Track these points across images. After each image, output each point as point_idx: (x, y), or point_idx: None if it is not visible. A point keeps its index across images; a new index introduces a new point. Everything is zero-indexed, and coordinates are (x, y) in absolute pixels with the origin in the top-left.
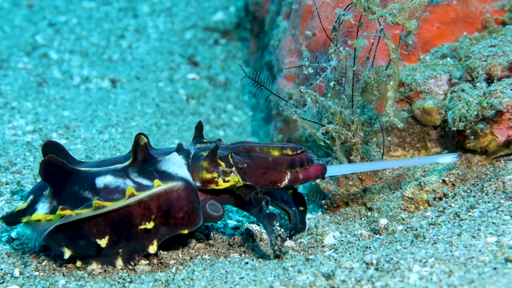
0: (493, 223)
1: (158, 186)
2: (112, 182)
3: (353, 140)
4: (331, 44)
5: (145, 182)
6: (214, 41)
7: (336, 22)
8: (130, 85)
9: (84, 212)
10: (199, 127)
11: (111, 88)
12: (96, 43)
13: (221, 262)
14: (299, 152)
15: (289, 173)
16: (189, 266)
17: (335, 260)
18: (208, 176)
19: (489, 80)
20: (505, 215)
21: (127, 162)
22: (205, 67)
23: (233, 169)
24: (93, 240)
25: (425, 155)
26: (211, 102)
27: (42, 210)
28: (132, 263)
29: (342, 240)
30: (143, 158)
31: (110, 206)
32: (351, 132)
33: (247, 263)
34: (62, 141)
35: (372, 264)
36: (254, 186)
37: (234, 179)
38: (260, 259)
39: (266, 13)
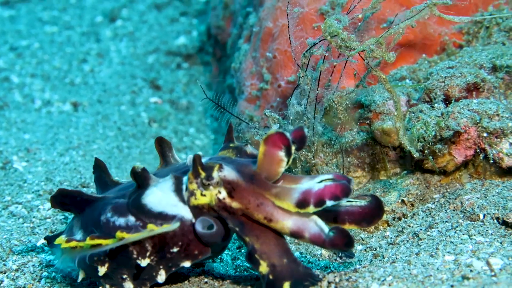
0: (451, 242)
1: (151, 230)
2: (114, 214)
3: (313, 161)
4: (299, 70)
5: (143, 217)
6: (177, 65)
7: (307, 51)
8: (92, 108)
9: (82, 244)
10: (229, 130)
11: (72, 112)
12: (58, 67)
13: (179, 282)
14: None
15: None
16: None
17: None
18: (190, 187)
19: (447, 101)
20: (463, 234)
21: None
22: (167, 90)
23: (214, 181)
24: (95, 266)
25: (385, 176)
26: (173, 126)
27: (76, 236)
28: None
29: (302, 260)
30: (141, 183)
31: (105, 245)
32: (311, 153)
33: (206, 282)
34: (23, 164)
35: (333, 282)
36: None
37: (212, 194)
38: (220, 279)
39: (228, 37)
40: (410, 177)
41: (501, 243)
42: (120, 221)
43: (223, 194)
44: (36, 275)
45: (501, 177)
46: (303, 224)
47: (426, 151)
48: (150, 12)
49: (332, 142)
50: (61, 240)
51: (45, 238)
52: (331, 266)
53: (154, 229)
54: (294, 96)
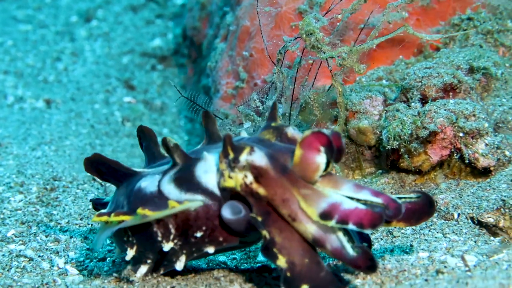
0: (426, 240)
1: (173, 208)
2: (143, 189)
3: None
4: (275, 66)
5: (169, 193)
6: (151, 66)
7: (282, 48)
8: (65, 106)
9: (110, 219)
10: (273, 106)
11: (45, 109)
12: (31, 64)
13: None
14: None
15: None
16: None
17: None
18: (220, 167)
19: (424, 100)
20: (437, 232)
21: (170, 165)
22: (142, 91)
23: (241, 164)
24: (125, 247)
25: (360, 175)
26: (147, 125)
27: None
28: (154, 274)
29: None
30: (181, 159)
31: (127, 221)
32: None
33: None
34: None
35: None
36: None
37: (238, 178)
38: (192, 271)
39: (204, 38)
40: (385, 176)
41: (475, 241)
42: (147, 195)
43: (250, 178)
44: (6, 265)
45: (476, 177)
46: (326, 235)
47: (402, 150)
48: (125, 14)
49: None
50: (96, 216)
51: (90, 200)
52: None
53: (175, 206)
54: (270, 93)
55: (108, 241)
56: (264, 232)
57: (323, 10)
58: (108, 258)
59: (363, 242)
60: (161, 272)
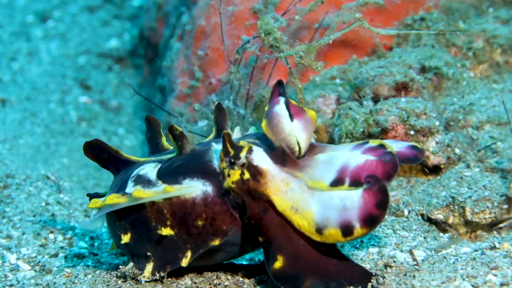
0: (376, 236)
1: (167, 192)
2: (142, 175)
3: None
4: (232, 66)
5: (167, 179)
6: (108, 67)
7: (241, 47)
8: (20, 105)
9: (104, 204)
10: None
11: (0, 108)
12: None
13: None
14: None
15: None
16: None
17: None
18: (221, 165)
19: (376, 99)
20: (388, 229)
21: (174, 154)
22: (98, 91)
23: (240, 162)
24: (118, 234)
25: None
26: (102, 126)
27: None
28: (161, 273)
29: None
30: (186, 148)
31: (122, 203)
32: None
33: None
34: None
35: None
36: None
37: (235, 174)
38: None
39: (160, 38)
40: None
41: (424, 237)
42: (145, 180)
43: (247, 175)
44: None
45: (426, 175)
46: (327, 204)
47: None
48: (82, 14)
49: None
50: (91, 202)
51: (88, 195)
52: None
53: (170, 190)
54: (219, 90)
55: (60, 238)
56: (267, 229)
57: (278, 9)
58: (60, 254)
59: None
60: (168, 269)
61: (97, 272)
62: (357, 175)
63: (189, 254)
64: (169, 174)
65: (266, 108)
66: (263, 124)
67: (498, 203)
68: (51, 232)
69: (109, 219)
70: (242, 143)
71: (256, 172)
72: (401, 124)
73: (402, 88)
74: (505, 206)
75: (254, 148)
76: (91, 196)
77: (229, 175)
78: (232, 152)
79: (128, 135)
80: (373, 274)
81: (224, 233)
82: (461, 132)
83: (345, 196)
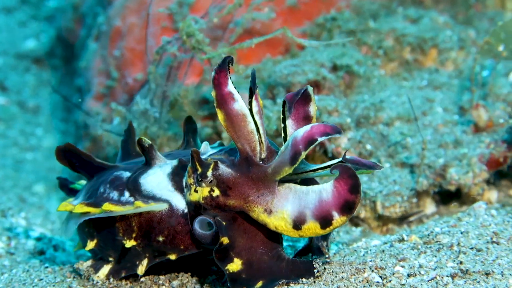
0: None
1: (138, 207)
2: (114, 184)
3: None
4: (150, 66)
5: (137, 192)
6: (26, 68)
7: (160, 47)
8: None
9: (75, 210)
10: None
11: None
12: None
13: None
14: None
15: None
16: None
17: None
18: (188, 181)
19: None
20: None
21: (142, 164)
22: (15, 92)
23: (207, 180)
24: (85, 238)
25: None
26: (20, 126)
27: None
28: (115, 277)
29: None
30: (151, 161)
31: (92, 213)
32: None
33: (46, 267)
34: None
35: None
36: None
37: (204, 192)
38: (61, 265)
39: (77, 39)
40: None
41: (337, 231)
42: (114, 194)
43: (217, 192)
44: None
45: None
46: (301, 201)
47: None
48: None
49: (177, 137)
50: (61, 205)
51: (57, 178)
52: None
53: (140, 205)
54: (142, 91)
55: None
56: (224, 239)
57: (192, 10)
58: None
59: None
60: (123, 275)
61: (14, 271)
62: (309, 136)
63: (145, 262)
64: (139, 187)
65: (217, 107)
66: (224, 123)
67: (407, 197)
68: None
69: (76, 221)
70: (209, 160)
71: (226, 187)
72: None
73: (314, 86)
74: (414, 200)
75: (220, 164)
76: (62, 183)
77: (196, 191)
78: (200, 170)
79: (47, 135)
80: (313, 263)
81: (180, 251)
82: (372, 129)
83: (319, 190)
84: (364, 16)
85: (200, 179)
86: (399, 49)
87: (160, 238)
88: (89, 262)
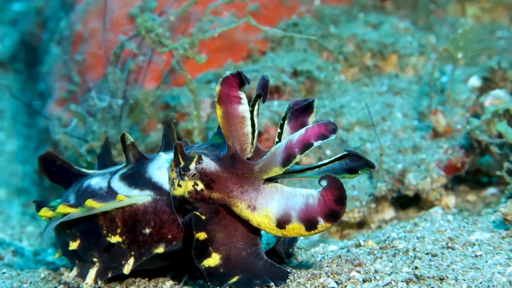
0: None
1: (120, 201)
2: (93, 186)
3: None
4: (109, 67)
5: (119, 188)
6: None
7: (118, 48)
8: None
9: (55, 214)
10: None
11: None
12: None
13: None
14: None
15: None
16: None
17: None
18: (171, 175)
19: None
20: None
21: (123, 165)
22: None
23: (190, 173)
24: (67, 241)
25: None
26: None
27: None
28: (103, 279)
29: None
30: (135, 158)
31: (74, 213)
32: (116, 151)
33: (4, 272)
34: None
35: None
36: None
37: (188, 186)
38: (20, 270)
39: (40, 43)
40: None
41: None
42: (96, 191)
43: (201, 186)
44: None
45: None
46: (288, 202)
47: None
48: None
49: (138, 141)
50: (42, 211)
51: (34, 201)
52: None
53: (123, 199)
54: (96, 87)
55: None
56: (199, 234)
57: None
58: None
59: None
60: (109, 275)
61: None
62: (304, 141)
63: (131, 261)
64: (120, 183)
65: (218, 103)
66: (220, 119)
67: (366, 202)
68: None
69: (58, 227)
70: (192, 153)
71: (210, 180)
72: (274, 126)
73: (275, 92)
74: (373, 205)
75: (203, 157)
76: (38, 203)
77: (180, 185)
78: (182, 163)
79: (9, 140)
80: (290, 272)
81: (168, 241)
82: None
83: (306, 194)
84: (325, 22)
85: (182, 173)
86: (360, 54)
87: (147, 230)
88: (74, 272)
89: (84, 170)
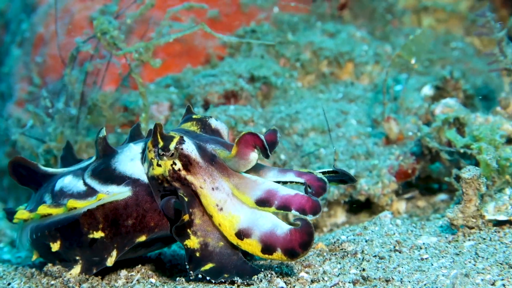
0: None
1: (101, 199)
2: (67, 185)
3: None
4: (66, 69)
5: (95, 185)
6: None
7: (75, 49)
8: None
9: (33, 215)
10: (188, 108)
11: None
12: None
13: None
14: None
15: None
16: None
17: None
18: (149, 155)
19: (206, 106)
20: None
21: (93, 159)
22: None
23: (170, 153)
24: (47, 243)
25: None
26: None
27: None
28: (87, 276)
29: None
30: (102, 152)
31: (55, 214)
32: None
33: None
34: None
35: None
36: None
37: (167, 164)
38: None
39: (2, 45)
40: None
41: None
42: (73, 190)
43: (178, 165)
44: None
45: None
46: (256, 220)
47: None
48: None
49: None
50: (18, 213)
51: (4, 209)
52: None
53: (103, 197)
54: (60, 95)
55: None
56: (186, 216)
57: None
58: None
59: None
60: (94, 271)
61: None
62: (287, 202)
63: (114, 253)
64: (96, 179)
65: (239, 136)
66: (235, 149)
67: None
68: None
69: (33, 231)
70: (172, 133)
71: (188, 162)
72: (230, 131)
73: (231, 96)
74: (325, 209)
75: (185, 138)
76: (8, 212)
77: (159, 165)
78: (161, 143)
79: None
80: (260, 271)
81: (151, 229)
82: (286, 139)
83: (275, 223)
84: (283, 29)
85: (161, 153)
86: (316, 62)
87: (130, 222)
88: (58, 266)
89: (51, 170)
